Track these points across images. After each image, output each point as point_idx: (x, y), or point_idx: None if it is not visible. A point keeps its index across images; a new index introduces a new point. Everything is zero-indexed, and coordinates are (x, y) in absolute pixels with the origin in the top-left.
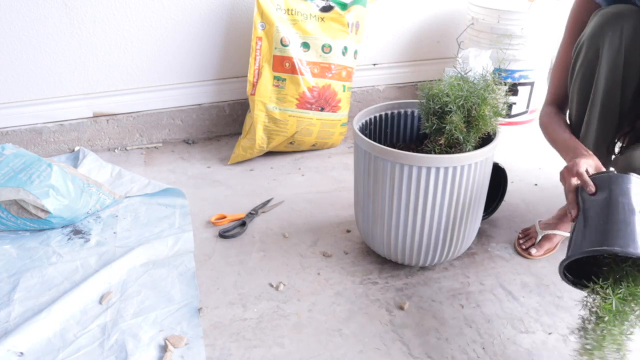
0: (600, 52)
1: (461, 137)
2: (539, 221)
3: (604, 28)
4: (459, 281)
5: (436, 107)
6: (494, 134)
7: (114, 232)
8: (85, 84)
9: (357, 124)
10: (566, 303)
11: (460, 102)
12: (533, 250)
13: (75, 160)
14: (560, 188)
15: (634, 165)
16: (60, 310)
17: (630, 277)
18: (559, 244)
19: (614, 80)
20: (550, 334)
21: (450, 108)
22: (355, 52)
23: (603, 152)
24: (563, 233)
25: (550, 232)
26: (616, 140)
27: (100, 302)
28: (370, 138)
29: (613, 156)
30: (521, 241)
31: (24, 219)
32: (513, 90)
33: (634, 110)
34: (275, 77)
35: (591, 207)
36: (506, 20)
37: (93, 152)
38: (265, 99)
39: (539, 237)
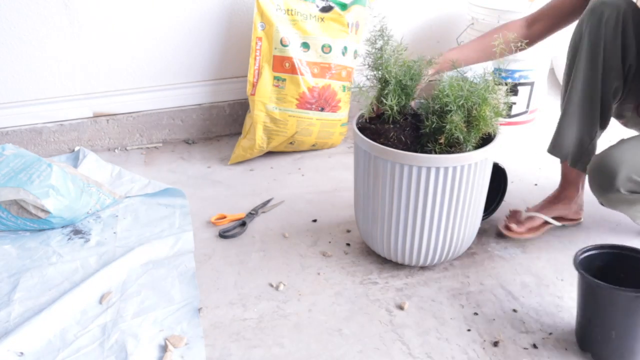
0: (583, 36)
1: (461, 137)
2: (527, 208)
3: (589, 14)
4: (459, 281)
5: (436, 107)
6: (494, 134)
7: (114, 232)
8: (85, 84)
9: (357, 124)
10: (566, 303)
11: (461, 102)
12: (513, 226)
13: (75, 160)
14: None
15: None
16: (60, 310)
17: None
18: (544, 229)
19: (593, 69)
20: (550, 334)
21: (451, 108)
22: (355, 52)
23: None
24: (545, 217)
25: (533, 214)
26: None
27: (100, 302)
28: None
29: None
30: (506, 219)
31: (24, 219)
32: (513, 90)
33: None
34: (275, 77)
35: None
36: (506, 20)
37: (93, 152)
38: (265, 99)
39: (524, 216)
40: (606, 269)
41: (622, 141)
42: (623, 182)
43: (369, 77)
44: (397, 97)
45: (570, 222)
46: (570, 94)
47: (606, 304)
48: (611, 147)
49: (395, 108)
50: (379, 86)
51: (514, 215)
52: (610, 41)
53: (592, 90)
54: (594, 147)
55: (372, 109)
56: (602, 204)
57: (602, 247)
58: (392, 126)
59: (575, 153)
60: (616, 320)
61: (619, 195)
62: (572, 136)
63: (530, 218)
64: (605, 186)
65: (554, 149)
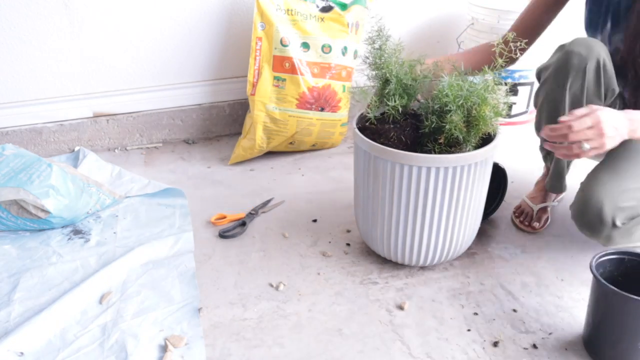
0: (566, 90)
1: (461, 137)
2: (526, 197)
3: (568, 69)
4: (459, 281)
5: (435, 107)
6: (494, 134)
7: (114, 232)
8: (85, 84)
9: (357, 124)
10: (566, 303)
11: (460, 102)
12: (536, 224)
13: (75, 160)
14: None
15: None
16: (60, 310)
17: None
18: (549, 213)
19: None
20: (550, 334)
21: (450, 108)
22: (355, 52)
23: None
24: (553, 203)
25: (543, 204)
26: None
27: (100, 302)
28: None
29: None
30: (521, 218)
31: (24, 219)
32: (513, 90)
33: None
34: (275, 77)
35: None
36: (506, 20)
37: (93, 152)
38: (265, 99)
39: (536, 211)
40: (622, 276)
41: (588, 178)
42: (613, 212)
43: (370, 76)
44: (399, 98)
45: (558, 196)
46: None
47: (635, 316)
48: (583, 189)
49: (398, 109)
50: (380, 86)
51: (524, 212)
52: (592, 90)
53: None
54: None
55: (376, 107)
56: (604, 245)
57: (619, 252)
58: (392, 126)
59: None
60: None
61: (615, 229)
62: (564, 167)
63: (542, 210)
64: (596, 224)
65: (557, 188)
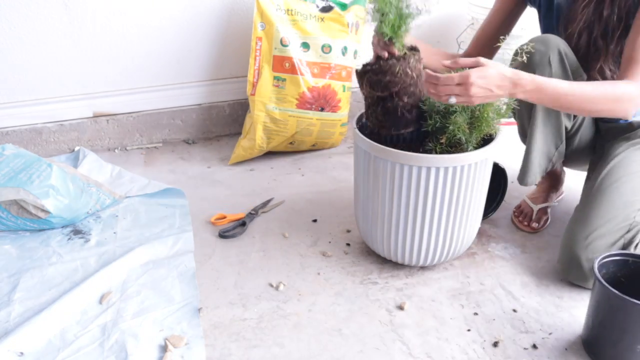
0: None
1: (463, 138)
2: (527, 196)
3: (533, 67)
4: (459, 281)
5: (440, 107)
6: (495, 134)
7: (114, 232)
8: (85, 84)
9: (357, 123)
10: (566, 303)
11: None
12: (535, 225)
13: (75, 160)
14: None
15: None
16: (60, 310)
17: None
18: (549, 213)
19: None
20: (550, 334)
21: (455, 108)
22: (355, 52)
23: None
24: (554, 203)
25: (543, 205)
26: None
27: (100, 302)
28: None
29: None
30: (520, 218)
31: (24, 219)
32: None
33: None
34: (275, 77)
35: None
36: None
37: (93, 152)
38: (265, 99)
39: (535, 211)
40: (625, 278)
41: (566, 232)
42: (591, 263)
43: (369, 10)
44: (397, 28)
45: (558, 197)
46: (532, 129)
47: (636, 319)
48: (562, 245)
49: (401, 33)
50: (379, 18)
51: (523, 212)
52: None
53: (553, 119)
54: (562, 151)
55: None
56: None
57: (623, 254)
58: (395, 61)
59: (547, 163)
60: None
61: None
62: (539, 161)
63: (541, 211)
64: (581, 277)
65: (524, 180)
